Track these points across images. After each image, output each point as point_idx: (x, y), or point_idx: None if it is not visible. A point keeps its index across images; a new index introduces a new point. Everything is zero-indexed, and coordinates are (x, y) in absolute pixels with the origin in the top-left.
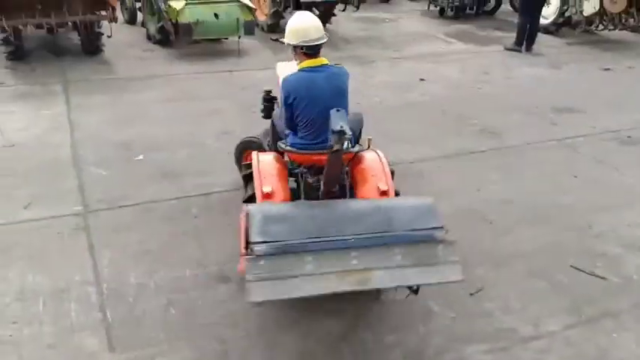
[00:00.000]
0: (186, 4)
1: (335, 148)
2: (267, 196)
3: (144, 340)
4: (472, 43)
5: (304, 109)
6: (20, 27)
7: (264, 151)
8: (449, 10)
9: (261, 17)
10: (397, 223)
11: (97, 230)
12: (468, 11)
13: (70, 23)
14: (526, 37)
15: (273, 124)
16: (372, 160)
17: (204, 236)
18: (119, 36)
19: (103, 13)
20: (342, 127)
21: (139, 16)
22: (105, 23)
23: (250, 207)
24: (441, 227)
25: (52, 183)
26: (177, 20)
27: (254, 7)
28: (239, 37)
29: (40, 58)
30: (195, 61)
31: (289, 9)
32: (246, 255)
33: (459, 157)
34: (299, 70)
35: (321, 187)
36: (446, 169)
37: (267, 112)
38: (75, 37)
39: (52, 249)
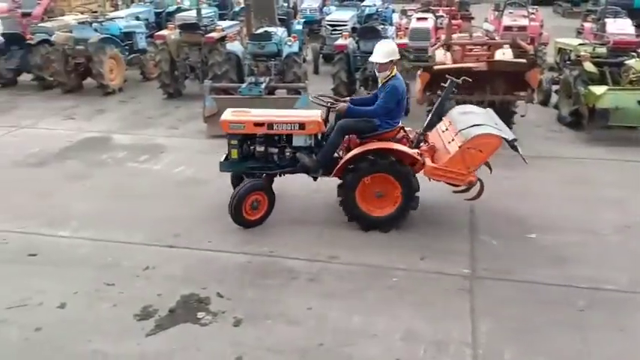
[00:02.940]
0: (607, 90)
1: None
2: (425, 151)
3: None
4: None
5: (403, 100)
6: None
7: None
8: None
9: None
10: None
11: (480, 296)
12: None
13: (486, 101)
14: None
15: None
16: None
17: (590, 333)
18: (529, 115)
19: (522, 94)
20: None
21: (553, 97)
22: (519, 102)
23: (492, 131)
24: None
25: (446, 242)
26: (594, 105)
27: None
28: None
29: None
30: (603, 146)
31: None
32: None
33: None
34: (397, 75)
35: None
36: None
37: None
38: None
39: (437, 302)
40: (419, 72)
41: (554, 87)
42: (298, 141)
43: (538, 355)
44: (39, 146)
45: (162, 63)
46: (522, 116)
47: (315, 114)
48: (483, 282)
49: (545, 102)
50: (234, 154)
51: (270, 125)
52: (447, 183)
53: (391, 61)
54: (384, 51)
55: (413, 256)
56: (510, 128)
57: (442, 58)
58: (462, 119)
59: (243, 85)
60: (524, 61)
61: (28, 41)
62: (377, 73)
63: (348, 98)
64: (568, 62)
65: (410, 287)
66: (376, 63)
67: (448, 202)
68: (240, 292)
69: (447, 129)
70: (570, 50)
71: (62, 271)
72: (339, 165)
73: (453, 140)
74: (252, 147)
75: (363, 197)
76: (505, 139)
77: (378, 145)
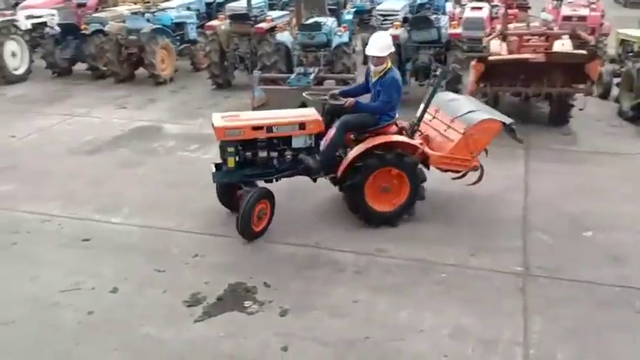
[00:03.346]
0: None
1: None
2: (423, 140)
3: None
4: None
5: (401, 90)
6: (500, 93)
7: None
8: None
9: None
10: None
11: (532, 295)
12: None
13: (543, 93)
14: None
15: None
16: None
17: None
18: (588, 109)
19: (581, 86)
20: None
21: (613, 90)
22: (577, 95)
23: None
24: None
25: (498, 238)
26: None
27: None
28: None
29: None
30: None
31: None
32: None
33: None
34: (392, 67)
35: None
36: None
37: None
38: (544, 106)
39: (487, 299)
40: (472, 62)
41: (615, 80)
42: (298, 142)
43: (592, 356)
44: (92, 134)
45: (212, 53)
46: (581, 109)
47: (314, 112)
48: (537, 280)
49: (605, 95)
50: (231, 162)
51: (270, 128)
52: (449, 170)
53: (389, 54)
54: (381, 45)
55: (463, 252)
56: (567, 122)
57: (497, 48)
58: (452, 106)
59: (292, 76)
60: (584, 52)
61: (83, 31)
62: (372, 67)
63: (337, 90)
64: (630, 54)
65: (459, 283)
66: (373, 57)
67: (499, 197)
68: (287, 282)
69: (434, 117)
70: (633, 42)
71: (114, 257)
72: (345, 164)
73: (449, 128)
74: (247, 153)
75: (374, 199)
76: (504, 123)
77: (384, 140)
